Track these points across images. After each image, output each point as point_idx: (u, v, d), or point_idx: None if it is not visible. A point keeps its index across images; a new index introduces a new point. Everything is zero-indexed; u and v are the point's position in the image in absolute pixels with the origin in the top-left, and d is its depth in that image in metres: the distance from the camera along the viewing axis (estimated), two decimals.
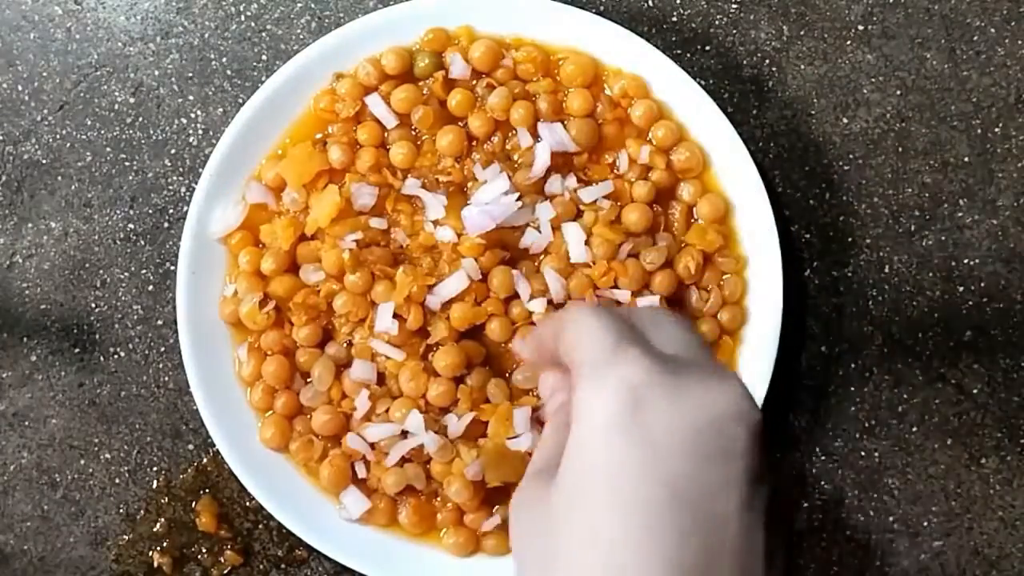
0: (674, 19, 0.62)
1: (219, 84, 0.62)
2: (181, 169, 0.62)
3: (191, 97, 0.62)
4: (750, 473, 0.33)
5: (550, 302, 0.57)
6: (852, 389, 0.62)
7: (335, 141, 0.58)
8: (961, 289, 0.62)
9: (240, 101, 0.61)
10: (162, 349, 0.62)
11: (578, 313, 0.38)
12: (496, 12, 0.58)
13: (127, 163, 0.62)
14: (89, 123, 0.62)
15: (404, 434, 0.56)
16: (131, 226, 0.62)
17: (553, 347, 0.39)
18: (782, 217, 0.61)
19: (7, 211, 0.62)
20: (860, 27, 0.62)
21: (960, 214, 0.62)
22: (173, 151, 0.62)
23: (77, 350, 0.62)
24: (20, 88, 0.62)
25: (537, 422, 0.56)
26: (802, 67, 0.62)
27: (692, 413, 0.33)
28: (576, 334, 0.37)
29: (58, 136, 0.62)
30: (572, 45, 0.59)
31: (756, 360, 0.58)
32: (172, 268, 0.61)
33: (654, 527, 0.32)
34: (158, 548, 0.61)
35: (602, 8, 0.62)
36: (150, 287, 0.62)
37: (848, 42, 0.62)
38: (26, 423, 0.62)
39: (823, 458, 0.62)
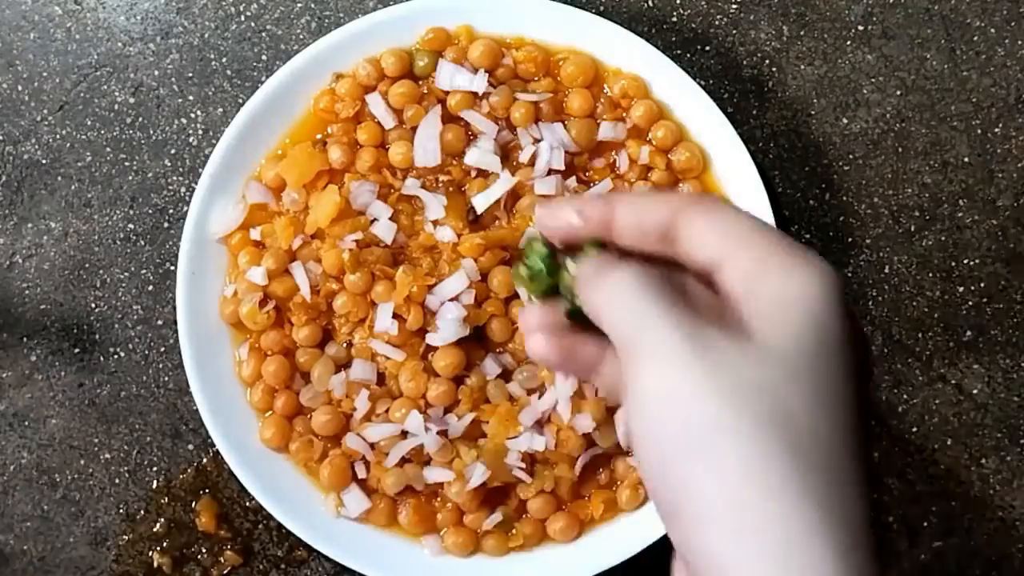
0: (674, 19, 0.62)
1: (219, 84, 0.62)
2: (181, 169, 0.62)
3: (191, 97, 0.62)
4: (849, 343, 0.32)
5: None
6: None
7: (335, 141, 0.58)
8: (961, 289, 0.62)
9: (240, 101, 0.61)
10: (162, 349, 0.62)
11: (713, 207, 0.34)
12: (496, 12, 0.58)
13: (127, 163, 0.62)
14: (89, 123, 0.62)
15: (404, 434, 0.56)
16: (131, 226, 0.62)
17: (652, 233, 0.35)
18: (782, 217, 0.61)
19: (7, 211, 0.62)
20: (860, 27, 0.62)
21: (960, 214, 0.62)
22: (173, 151, 0.62)
23: (77, 350, 0.62)
24: (20, 88, 0.62)
25: (537, 423, 0.56)
26: (802, 67, 0.62)
27: (784, 340, 0.32)
28: (738, 236, 0.34)
29: (58, 136, 0.62)
30: (572, 45, 0.59)
31: None
32: (172, 268, 0.61)
33: (778, 465, 0.30)
34: (158, 548, 0.61)
35: (602, 8, 0.62)
36: (150, 287, 0.62)
37: (848, 42, 0.62)
38: (26, 423, 0.62)
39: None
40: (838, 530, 0.30)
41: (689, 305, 0.33)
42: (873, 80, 0.62)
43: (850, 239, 0.62)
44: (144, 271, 0.62)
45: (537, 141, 0.58)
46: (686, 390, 0.31)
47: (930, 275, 0.62)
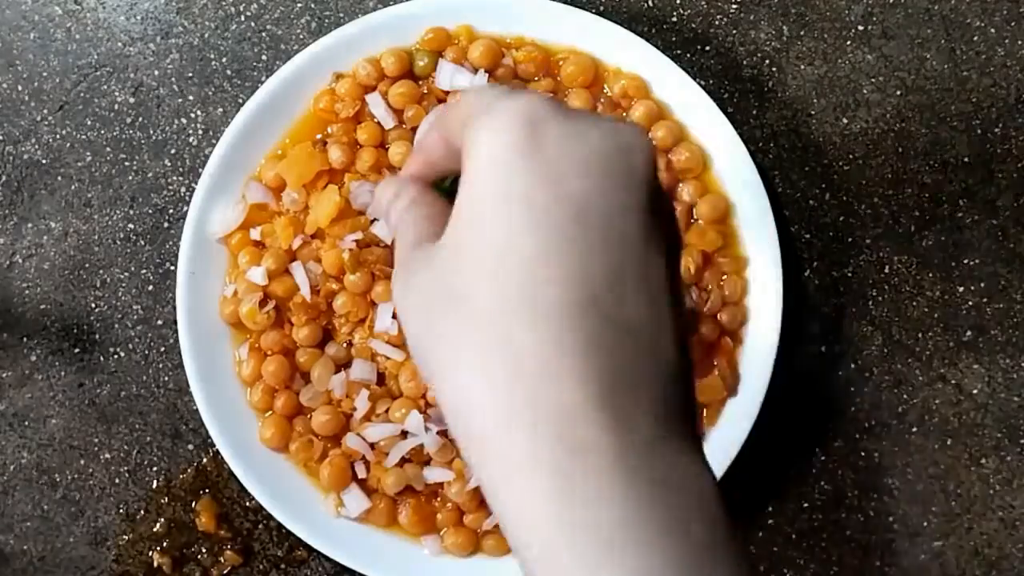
0: (674, 19, 0.62)
1: (219, 84, 0.62)
2: (181, 169, 0.62)
3: (191, 97, 0.62)
4: (649, 203, 0.33)
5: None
6: (852, 389, 0.62)
7: (335, 141, 0.58)
8: (961, 289, 0.62)
9: (240, 101, 0.61)
10: (162, 349, 0.62)
11: (462, 93, 0.36)
12: (496, 12, 0.58)
13: (127, 163, 0.62)
14: (89, 123, 0.62)
15: (404, 434, 0.56)
16: (131, 226, 0.62)
17: (438, 138, 0.37)
18: (782, 217, 0.61)
19: (7, 211, 0.62)
20: (860, 27, 0.62)
21: (960, 214, 0.62)
22: (173, 151, 0.62)
23: (77, 350, 0.62)
24: (20, 88, 0.62)
25: None
26: (802, 67, 0.62)
27: (593, 139, 0.33)
28: (465, 97, 0.35)
29: (58, 136, 0.62)
30: (572, 45, 0.59)
31: (756, 360, 0.58)
32: (172, 268, 0.61)
33: (563, 240, 0.31)
34: (158, 548, 0.61)
35: (602, 8, 0.62)
36: (150, 287, 0.62)
37: (848, 42, 0.62)
38: (26, 423, 0.62)
39: (823, 458, 0.62)
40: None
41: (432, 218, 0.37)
42: (873, 80, 0.62)
43: (850, 239, 0.62)
44: (144, 271, 0.62)
45: None
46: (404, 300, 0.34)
47: (930, 275, 0.62)
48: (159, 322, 0.62)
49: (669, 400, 0.32)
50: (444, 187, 0.40)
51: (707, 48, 0.62)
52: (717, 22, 0.62)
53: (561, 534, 0.30)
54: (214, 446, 0.59)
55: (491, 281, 0.31)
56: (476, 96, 0.35)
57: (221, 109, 0.62)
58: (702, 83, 0.58)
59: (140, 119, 0.62)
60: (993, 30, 0.62)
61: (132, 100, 0.62)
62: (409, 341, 0.34)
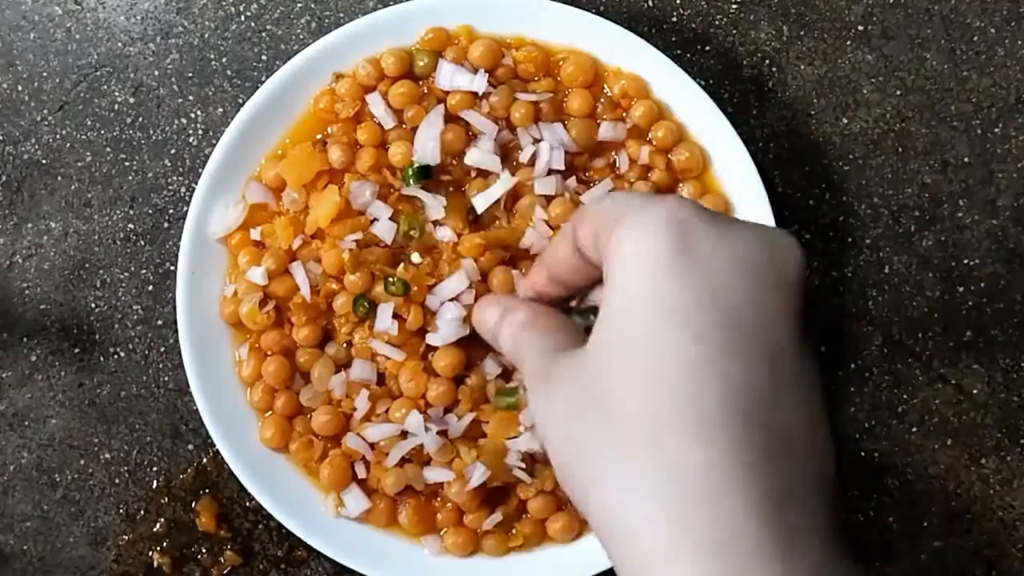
0: (674, 19, 0.62)
1: (219, 84, 0.62)
2: (181, 169, 0.62)
3: (191, 97, 0.62)
4: (801, 307, 0.32)
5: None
6: (852, 389, 0.62)
7: (335, 141, 0.58)
8: (961, 289, 0.62)
9: (240, 101, 0.61)
10: (162, 349, 0.62)
11: (596, 197, 0.35)
12: (496, 12, 0.58)
13: (127, 163, 0.62)
14: (89, 123, 0.62)
15: (404, 434, 0.56)
16: (131, 226, 0.62)
17: (571, 251, 0.36)
18: (782, 217, 0.61)
19: (7, 211, 0.62)
20: (860, 27, 0.62)
21: (960, 214, 0.62)
22: (173, 151, 0.62)
23: (77, 350, 0.62)
24: (20, 88, 0.62)
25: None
26: (802, 67, 0.62)
27: (745, 245, 0.32)
28: (603, 205, 0.34)
29: (58, 136, 0.62)
30: (572, 45, 0.59)
31: None
32: (172, 268, 0.61)
33: (718, 350, 0.30)
34: (158, 548, 0.61)
35: (602, 8, 0.62)
36: (150, 287, 0.62)
37: (848, 42, 0.62)
38: (26, 423, 0.62)
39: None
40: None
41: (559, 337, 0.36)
42: (873, 80, 0.62)
43: (850, 239, 0.62)
44: (144, 271, 0.62)
45: (537, 141, 0.58)
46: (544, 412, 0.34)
47: (930, 275, 0.62)
48: (159, 322, 0.62)
49: (832, 517, 0.30)
50: (573, 310, 0.38)
51: (707, 48, 0.62)
52: (717, 22, 0.62)
53: None
54: (214, 446, 0.59)
55: (648, 389, 0.30)
56: (616, 202, 0.34)
57: (221, 109, 0.62)
58: (702, 83, 0.58)
59: (140, 119, 0.62)
60: (993, 30, 0.62)
61: (132, 100, 0.62)
62: (552, 454, 0.33)
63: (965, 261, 0.62)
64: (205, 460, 0.61)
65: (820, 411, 0.32)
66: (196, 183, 0.58)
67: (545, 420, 0.33)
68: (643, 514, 0.29)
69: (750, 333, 0.31)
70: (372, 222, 0.57)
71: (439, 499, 0.58)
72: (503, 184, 0.57)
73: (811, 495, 0.30)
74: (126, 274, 0.62)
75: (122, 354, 0.62)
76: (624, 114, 0.59)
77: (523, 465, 0.56)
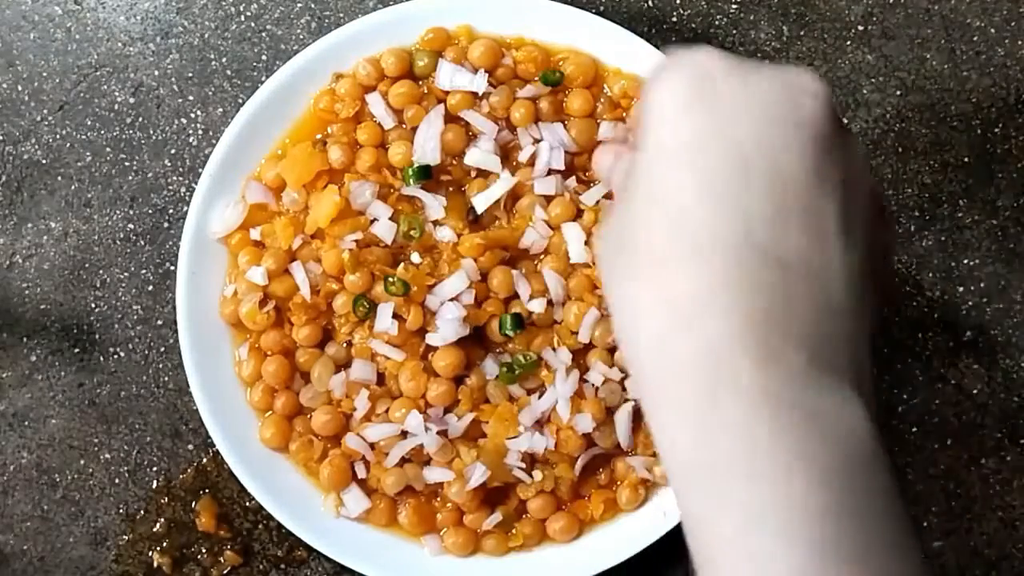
0: (674, 19, 0.62)
1: (219, 84, 0.62)
2: (181, 169, 0.62)
3: (191, 97, 0.62)
4: (820, 141, 0.33)
5: (550, 302, 0.57)
6: None
7: (335, 141, 0.58)
8: (961, 289, 0.62)
9: (240, 101, 0.61)
10: (162, 349, 0.62)
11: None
12: (496, 12, 0.58)
13: (127, 163, 0.62)
14: (89, 123, 0.62)
15: (404, 434, 0.56)
16: (131, 226, 0.62)
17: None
18: None
19: (7, 211, 0.62)
20: (860, 27, 0.62)
21: (960, 214, 0.62)
22: (173, 151, 0.62)
23: (77, 350, 0.62)
24: (20, 88, 0.62)
25: (537, 423, 0.56)
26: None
27: (761, 84, 0.34)
28: (647, 80, 0.37)
29: (58, 136, 0.62)
30: (572, 45, 0.59)
31: None
32: (172, 268, 0.61)
33: (724, 183, 0.32)
34: (158, 548, 0.61)
35: (602, 8, 0.62)
36: (150, 287, 0.62)
37: (848, 42, 0.62)
38: (26, 423, 0.62)
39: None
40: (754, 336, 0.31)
41: None
42: (873, 80, 0.62)
43: None
44: (144, 271, 0.62)
45: (537, 141, 0.58)
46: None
47: (930, 275, 0.62)
48: (159, 322, 0.62)
49: (827, 337, 0.32)
50: None
51: None
52: (717, 22, 0.62)
53: (698, 460, 0.31)
54: (214, 446, 0.59)
55: (654, 225, 0.33)
56: (658, 63, 0.36)
57: (221, 109, 0.62)
58: None
59: (140, 119, 0.62)
60: (993, 30, 0.62)
61: (132, 100, 0.62)
62: (602, 281, 0.38)
63: (965, 261, 0.62)
64: (205, 460, 0.61)
65: (833, 243, 0.33)
66: (196, 183, 0.58)
67: (598, 255, 0.38)
68: (643, 344, 0.33)
69: (757, 164, 0.33)
70: (372, 222, 0.57)
71: (439, 499, 0.58)
72: (503, 184, 0.57)
73: (800, 317, 0.32)
74: (126, 274, 0.62)
75: (122, 354, 0.62)
76: (624, 114, 0.59)
77: (523, 465, 0.56)
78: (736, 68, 0.34)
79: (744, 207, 0.32)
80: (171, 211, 0.62)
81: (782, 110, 0.34)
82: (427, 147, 0.57)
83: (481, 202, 0.57)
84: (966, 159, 0.62)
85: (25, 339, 0.62)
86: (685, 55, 0.35)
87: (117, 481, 0.61)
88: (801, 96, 0.34)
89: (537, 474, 0.57)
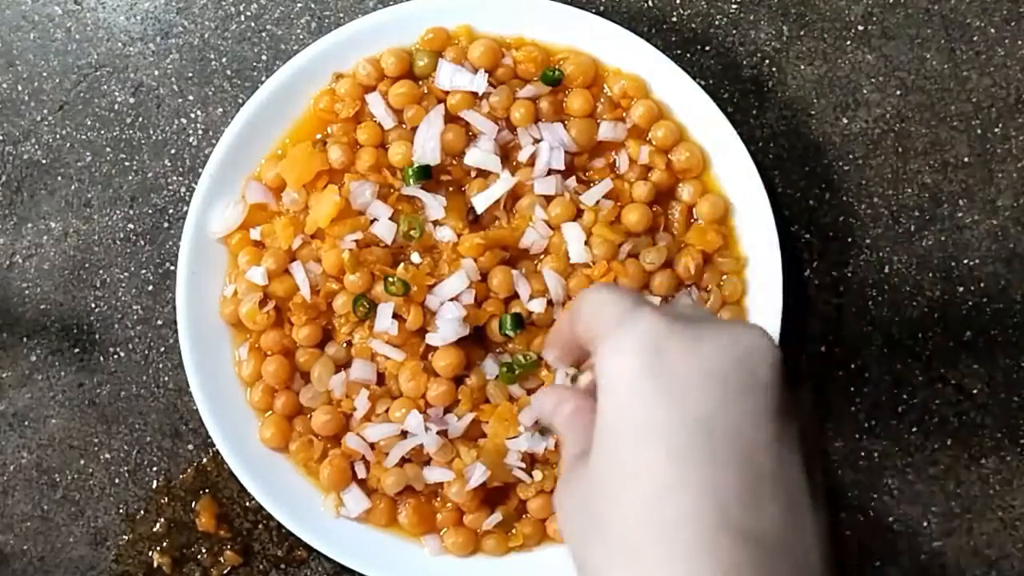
0: (674, 19, 0.62)
1: (219, 84, 0.62)
2: (181, 169, 0.62)
3: (191, 97, 0.62)
4: (777, 406, 0.34)
5: (550, 302, 0.57)
6: (852, 389, 0.62)
7: (335, 141, 0.58)
8: (961, 289, 0.62)
9: (240, 101, 0.61)
10: (162, 349, 0.62)
11: (588, 292, 0.38)
12: (496, 12, 0.58)
13: (127, 163, 0.62)
14: (89, 123, 0.62)
15: (404, 434, 0.56)
16: (131, 226, 0.62)
17: (572, 337, 0.40)
18: (782, 217, 0.61)
19: (7, 211, 0.62)
20: (860, 27, 0.62)
21: (960, 214, 0.62)
22: (173, 151, 0.62)
23: (77, 350, 0.62)
24: (20, 88, 0.62)
25: (536, 423, 0.56)
26: (802, 67, 0.62)
27: (714, 354, 0.34)
28: (591, 309, 0.37)
29: (58, 136, 0.62)
30: (572, 45, 0.59)
31: None
32: (172, 268, 0.61)
33: (691, 463, 0.32)
34: (158, 548, 0.61)
35: (602, 8, 0.62)
36: (150, 287, 0.62)
37: (848, 42, 0.62)
38: (26, 423, 0.62)
39: (823, 458, 0.62)
40: None
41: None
42: (873, 80, 0.62)
43: (850, 239, 0.62)
44: (144, 271, 0.62)
45: (537, 141, 0.58)
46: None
47: (930, 275, 0.62)
48: (159, 322, 0.62)
49: None
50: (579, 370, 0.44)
51: (707, 48, 0.62)
52: (717, 22, 0.62)
53: None
54: (214, 446, 0.59)
55: (626, 510, 0.33)
56: (601, 310, 0.36)
57: (221, 109, 0.62)
58: (702, 83, 0.58)
59: (140, 119, 0.62)
60: (993, 30, 0.62)
61: (132, 100, 0.62)
62: (565, 541, 0.36)
63: (965, 261, 0.62)
64: (205, 460, 0.61)
65: (803, 509, 0.33)
66: (196, 183, 0.58)
67: (561, 516, 0.37)
68: None
69: (722, 440, 0.33)
70: (372, 222, 0.57)
71: (439, 499, 0.58)
72: (503, 184, 0.57)
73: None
74: (126, 274, 0.62)
75: (122, 354, 0.62)
76: (624, 114, 0.59)
77: (523, 465, 0.56)
78: (682, 334, 0.34)
79: (715, 485, 0.32)
80: (171, 211, 0.62)
81: (738, 378, 0.34)
82: (427, 147, 0.57)
83: (481, 202, 0.57)
84: (966, 159, 0.62)
85: (25, 339, 0.62)
86: (630, 324, 0.35)
87: (117, 481, 0.61)
88: (758, 364, 0.34)
89: (537, 474, 0.57)
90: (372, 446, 0.57)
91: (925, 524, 0.62)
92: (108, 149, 0.62)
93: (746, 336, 0.35)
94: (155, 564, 0.61)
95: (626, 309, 0.36)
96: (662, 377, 0.33)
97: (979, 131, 0.62)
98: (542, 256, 0.58)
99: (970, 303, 0.62)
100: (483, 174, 0.58)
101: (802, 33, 0.62)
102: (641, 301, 0.36)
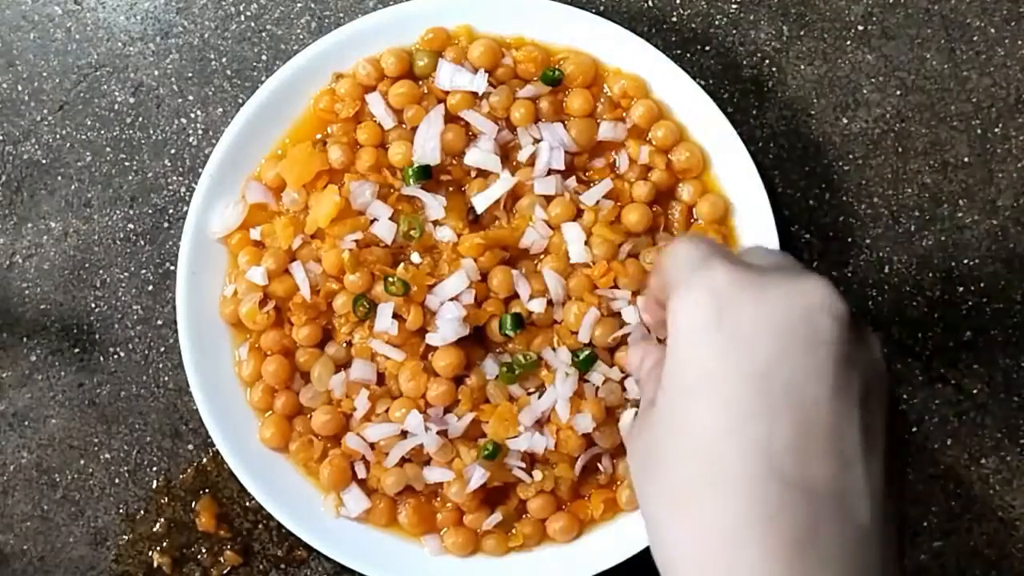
0: (674, 19, 0.62)
1: (219, 84, 0.62)
2: (181, 169, 0.62)
3: (191, 97, 0.62)
4: (839, 360, 0.34)
5: (550, 302, 0.57)
6: None
7: (335, 141, 0.58)
8: (961, 289, 0.62)
9: (240, 101, 0.61)
10: (162, 349, 0.62)
11: (671, 245, 0.39)
12: (496, 12, 0.58)
13: (127, 163, 0.62)
14: (89, 123, 0.62)
15: (404, 434, 0.56)
16: (131, 226, 0.62)
17: (656, 290, 0.41)
18: (782, 217, 0.61)
19: (7, 211, 0.62)
20: (860, 27, 0.62)
21: (960, 214, 0.62)
22: (173, 151, 0.62)
23: (77, 350, 0.62)
24: (20, 88, 0.62)
25: (537, 423, 0.56)
26: (802, 67, 0.62)
27: (777, 305, 0.35)
28: (670, 260, 0.38)
29: (58, 136, 0.62)
30: (572, 45, 0.59)
31: None
32: (172, 268, 0.61)
33: (745, 414, 0.33)
34: (158, 548, 0.61)
35: (602, 8, 0.62)
36: (150, 287, 0.62)
37: (848, 42, 0.62)
38: (26, 423, 0.62)
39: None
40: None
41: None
42: (873, 80, 0.62)
43: (850, 239, 0.62)
44: (144, 271, 0.62)
45: (537, 141, 0.58)
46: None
47: (930, 275, 0.62)
48: (159, 322, 0.62)
49: (860, 565, 0.33)
50: None
51: (707, 48, 0.62)
52: (717, 22, 0.62)
53: None
54: (214, 446, 0.59)
55: (683, 454, 0.35)
56: (674, 265, 0.38)
57: (221, 109, 0.62)
58: (702, 83, 0.58)
59: (140, 119, 0.62)
60: (993, 30, 0.62)
61: (132, 100, 0.62)
62: (632, 480, 0.38)
63: (965, 261, 0.62)
64: (205, 460, 0.61)
65: (857, 464, 0.34)
66: (196, 183, 0.58)
67: (630, 460, 0.39)
68: (678, 558, 0.34)
69: (780, 393, 0.34)
70: (372, 222, 0.57)
71: (439, 499, 0.58)
72: (503, 184, 0.57)
73: (831, 541, 0.32)
74: (126, 274, 0.62)
75: (122, 354, 0.62)
76: (624, 114, 0.59)
77: (523, 465, 0.56)
78: (749, 288, 0.35)
79: (767, 436, 0.33)
80: (171, 211, 0.62)
81: (799, 331, 0.34)
82: (427, 147, 0.57)
83: (481, 202, 0.57)
84: (966, 159, 0.62)
85: (25, 339, 0.62)
86: (700, 275, 0.36)
87: (117, 481, 0.61)
88: (818, 316, 0.35)
89: (537, 474, 0.57)
90: (372, 446, 0.57)
91: (925, 524, 0.62)
92: (108, 149, 0.62)
93: (810, 289, 0.35)
94: (155, 564, 0.61)
95: (699, 258, 0.37)
96: (725, 329, 0.34)
97: (979, 131, 0.62)
98: (542, 256, 0.58)
99: (970, 303, 0.62)
100: (483, 174, 0.58)
101: (802, 33, 0.62)
102: (715, 252, 0.37)
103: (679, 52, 0.62)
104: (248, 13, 0.62)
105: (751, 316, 0.34)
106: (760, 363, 0.34)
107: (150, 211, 0.62)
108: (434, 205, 0.57)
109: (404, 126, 0.58)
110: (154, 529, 0.61)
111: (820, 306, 0.35)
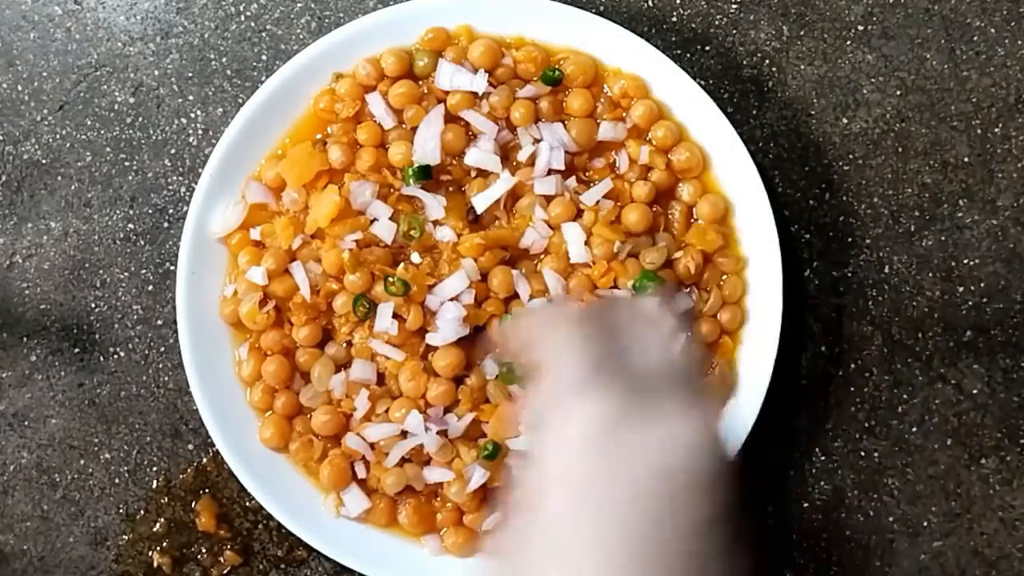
0: (674, 19, 0.62)
1: (219, 84, 0.62)
2: (181, 169, 0.62)
3: (191, 97, 0.62)
4: (706, 503, 0.37)
5: (550, 302, 0.57)
6: (852, 389, 0.62)
7: (335, 141, 0.58)
8: (961, 289, 0.62)
9: (240, 101, 0.61)
10: (162, 349, 0.62)
11: (561, 325, 0.41)
12: (496, 12, 0.58)
13: (127, 163, 0.62)
14: (89, 123, 0.62)
15: (404, 434, 0.56)
16: (131, 226, 0.62)
17: (528, 345, 0.42)
18: (782, 217, 0.61)
19: (7, 211, 0.62)
20: (860, 27, 0.62)
21: (960, 214, 0.62)
22: (173, 151, 0.62)
23: (77, 350, 0.62)
24: (20, 88, 0.62)
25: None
26: (802, 67, 0.62)
27: (657, 445, 0.37)
28: (555, 347, 0.40)
29: (58, 136, 0.62)
30: (572, 45, 0.59)
31: (756, 360, 0.58)
32: (172, 268, 0.61)
33: (612, 568, 0.36)
34: (158, 548, 0.61)
35: (602, 8, 0.62)
36: (150, 287, 0.62)
37: (848, 42, 0.62)
38: (26, 423, 0.62)
39: (823, 458, 0.62)
40: None
41: None
42: (873, 80, 0.62)
43: (850, 239, 0.62)
44: (144, 271, 0.62)
45: (537, 141, 0.58)
46: None
47: (930, 275, 0.62)
48: (159, 322, 0.62)
49: None
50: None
51: (707, 48, 0.62)
52: (717, 22, 0.62)
53: None
54: (214, 446, 0.59)
55: (547, 554, 0.37)
56: (559, 351, 0.41)
57: (221, 109, 0.62)
58: (702, 83, 0.58)
59: (140, 119, 0.62)
60: (993, 30, 0.62)
61: (132, 100, 0.62)
62: (495, 560, 0.41)
63: (965, 261, 0.62)
64: (205, 460, 0.61)
65: None
66: (196, 183, 0.58)
67: (497, 547, 0.42)
68: None
69: (642, 510, 0.37)
70: (372, 222, 0.57)
71: (439, 499, 0.58)
72: (503, 184, 0.57)
73: None
74: (126, 274, 0.62)
75: (122, 354, 0.62)
76: (624, 114, 0.59)
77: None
78: (631, 419, 0.38)
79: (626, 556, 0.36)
80: (171, 211, 0.62)
81: (676, 480, 0.37)
82: (427, 147, 0.57)
83: (481, 202, 0.57)
84: (966, 159, 0.62)
85: (25, 339, 0.62)
86: (585, 393, 0.38)
87: (117, 481, 0.61)
88: (693, 461, 0.37)
89: None
90: (372, 446, 0.57)
91: (925, 524, 0.62)
92: (108, 149, 0.62)
93: (690, 434, 0.38)
94: (155, 564, 0.61)
95: (588, 372, 0.39)
96: (609, 450, 0.37)
97: (979, 131, 0.62)
98: (542, 256, 0.58)
99: (970, 303, 0.62)
100: (483, 174, 0.58)
101: (802, 33, 0.62)
102: (603, 368, 0.39)
103: (679, 52, 0.62)
104: (248, 13, 0.62)
105: (634, 449, 0.37)
106: (627, 519, 0.36)
107: (150, 211, 0.62)
108: (434, 205, 0.57)
109: (404, 126, 0.58)
110: (154, 529, 0.61)
111: (696, 451, 0.38)
